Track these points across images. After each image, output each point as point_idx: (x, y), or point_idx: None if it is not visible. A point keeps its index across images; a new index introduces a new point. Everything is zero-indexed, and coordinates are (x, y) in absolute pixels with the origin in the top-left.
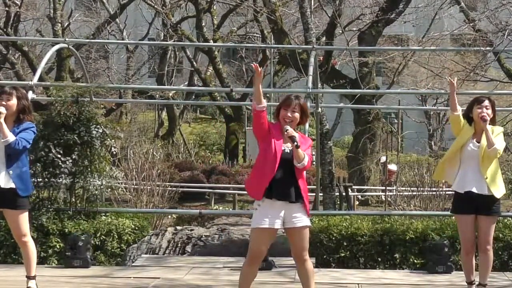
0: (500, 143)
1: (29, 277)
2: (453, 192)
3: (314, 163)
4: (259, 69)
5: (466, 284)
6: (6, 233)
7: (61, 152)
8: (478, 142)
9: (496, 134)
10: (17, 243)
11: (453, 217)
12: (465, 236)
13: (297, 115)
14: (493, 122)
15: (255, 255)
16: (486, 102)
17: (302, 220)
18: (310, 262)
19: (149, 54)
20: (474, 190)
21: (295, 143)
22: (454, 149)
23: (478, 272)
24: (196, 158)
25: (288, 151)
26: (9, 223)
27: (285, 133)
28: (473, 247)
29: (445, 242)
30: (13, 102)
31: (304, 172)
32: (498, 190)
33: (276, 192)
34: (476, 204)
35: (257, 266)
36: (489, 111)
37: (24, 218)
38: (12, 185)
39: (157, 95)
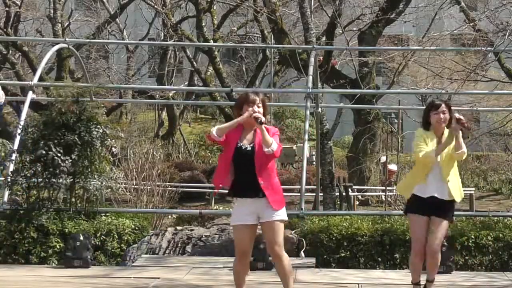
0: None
1: None
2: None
3: (314, 163)
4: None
5: (412, 284)
6: (6, 233)
7: (61, 152)
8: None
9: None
10: None
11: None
12: (416, 236)
13: (261, 110)
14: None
15: (240, 251)
16: (443, 107)
17: (272, 214)
18: (286, 259)
19: (149, 54)
20: (436, 195)
21: (259, 120)
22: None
23: (426, 271)
24: (196, 158)
25: (249, 148)
26: None
27: (252, 116)
28: (423, 249)
29: (443, 242)
30: None
31: (272, 165)
32: (459, 195)
33: (239, 190)
34: (433, 208)
35: (247, 262)
36: (447, 115)
37: None
38: None
39: (157, 95)
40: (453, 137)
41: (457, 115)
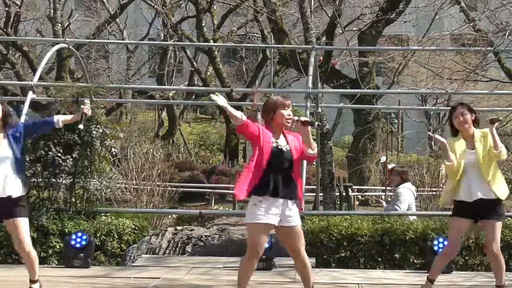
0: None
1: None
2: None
3: (314, 163)
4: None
5: (427, 280)
6: (6, 233)
7: (61, 151)
8: (472, 148)
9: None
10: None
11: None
12: (454, 236)
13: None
14: (477, 123)
15: (255, 250)
16: (460, 109)
17: (295, 219)
18: (306, 256)
19: (149, 54)
20: (482, 196)
21: (316, 123)
22: (456, 171)
23: (493, 275)
24: (196, 158)
25: (285, 150)
26: None
27: (297, 122)
28: (454, 251)
29: (444, 242)
30: None
31: (299, 167)
32: (502, 192)
33: (270, 190)
34: (479, 210)
35: (257, 261)
36: (467, 116)
37: None
38: None
39: (157, 95)
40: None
41: (489, 116)
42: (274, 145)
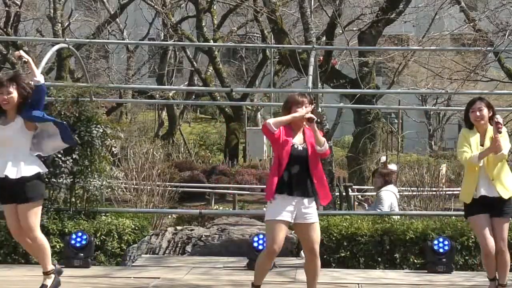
0: (506, 145)
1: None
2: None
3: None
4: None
5: (488, 280)
6: (6, 233)
7: (62, 151)
8: (482, 145)
9: (501, 136)
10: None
11: (453, 217)
12: (482, 234)
13: (310, 109)
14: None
15: (271, 247)
16: (478, 104)
17: (312, 216)
18: (319, 258)
19: (149, 54)
20: (486, 193)
21: (314, 120)
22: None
23: (497, 273)
24: (196, 158)
25: (301, 148)
26: None
27: (305, 116)
28: (493, 249)
29: (444, 241)
30: (14, 95)
31: (320, 164)
32: (506, 191)
33: (287, 188)
34: (489, 207)
35: (274, 258)
36: (484, 112)
37: None
38: None
39: (157, 95)
40: (496, 146)
41: (497, 118)
42: (291, 145)
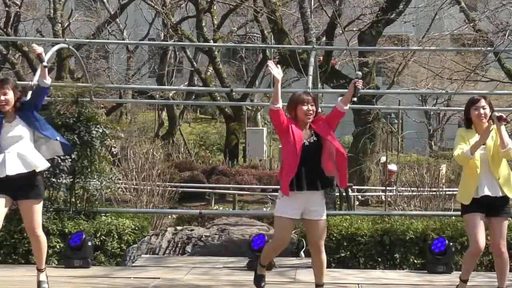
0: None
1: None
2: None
3: None
4: (277, 70)
5: (460, 280)
6: (6, 233)
7: None
8: (483, 144)
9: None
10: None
11: (453, 218)
12: (475, 235)
13: (314, 107)
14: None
15: (278, 242)
16: (482, 102)
17: (319, 212)
18: (324, 253)
19: (149, 54)
20: (489, 193)
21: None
22: (472, 162)
23: (496, 275)
24: (196, 158)
25: (307, 143)
26: None
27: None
28: (480, 247)
29: (445, 242)
30: (11, 96)
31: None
32: (511, 191)
33: (299, 184)
34: (488, 207)
35: (280, 251)
36: (487, 111)
37: None
38: None
39: (157, 95)
40: (488, 134)
41: (497, 113)
42: (301, 141)
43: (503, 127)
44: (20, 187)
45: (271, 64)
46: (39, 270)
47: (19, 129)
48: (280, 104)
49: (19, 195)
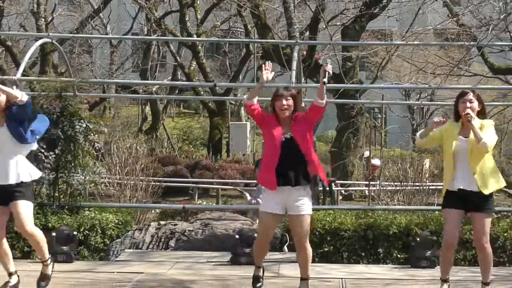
0: (490, 137)
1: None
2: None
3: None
4: (270, 75)
5: (440, 281)
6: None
7: (44, 146)
8: (466, 137)
9: (486, 127)
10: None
11: (436, 212)
12: (448, 229)
13: (291, 102)
14: (483, 115)
15: (260, 236)
16: (470, 96)
17: (303, 208)
18: (309, 247)
19: (132, 49)
20: (462, 187)
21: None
22: (448, 152)
23: (480, 270)
24: (179, 152)
25: (285, 139)
26: None
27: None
28: (454, 243)
29: (428, 236)
30: (2, 98)
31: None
32: (487, 187)
33: (279, 179)
34: (468, 202)
35: (267, 245)
36: (474, 104)
37: None
38: None
39: (141, 90)
40: (439, 125)
41: (467, 110)
42: (280, 136)
43: (477, 121)
44: (11, 192)
45: (269, 67)
46: (43, 263)
47: (7, 137)
48: (254, 100)
49: (11, 199)
